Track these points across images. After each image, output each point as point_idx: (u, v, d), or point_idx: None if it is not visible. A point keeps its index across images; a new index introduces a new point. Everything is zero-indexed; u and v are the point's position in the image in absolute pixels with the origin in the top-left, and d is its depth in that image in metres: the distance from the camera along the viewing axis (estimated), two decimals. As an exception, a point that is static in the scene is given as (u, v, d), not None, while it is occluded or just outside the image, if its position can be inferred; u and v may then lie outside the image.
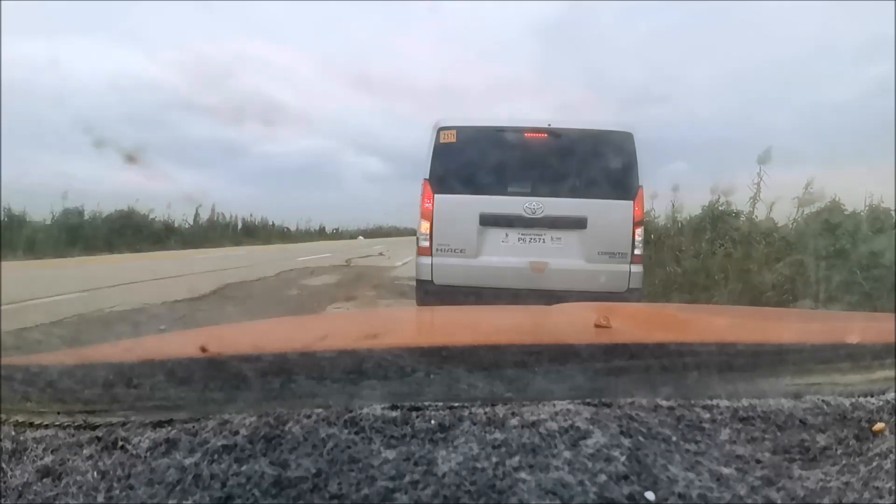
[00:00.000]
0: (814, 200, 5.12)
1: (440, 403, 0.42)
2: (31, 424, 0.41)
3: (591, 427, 0.39)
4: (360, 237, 33.64)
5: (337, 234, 33.19)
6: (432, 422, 0.40)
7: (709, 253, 5.57)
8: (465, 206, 3.61)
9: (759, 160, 5.41)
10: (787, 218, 5.40)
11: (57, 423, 0.41)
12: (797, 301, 4.29)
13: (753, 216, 5.61)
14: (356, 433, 0.38)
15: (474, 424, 0.39)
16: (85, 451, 0.38)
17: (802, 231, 5.03)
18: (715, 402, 0.44)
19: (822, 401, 0.44)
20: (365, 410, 0.40)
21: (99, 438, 0.38)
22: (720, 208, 6.03)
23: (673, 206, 6.79)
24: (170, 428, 0.39)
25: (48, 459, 0.37)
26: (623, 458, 0.36)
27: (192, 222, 17.47)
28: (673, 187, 6.80)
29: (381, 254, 13.91)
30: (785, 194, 5.35)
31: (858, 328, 0.69)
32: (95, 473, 0.35)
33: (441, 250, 3.62)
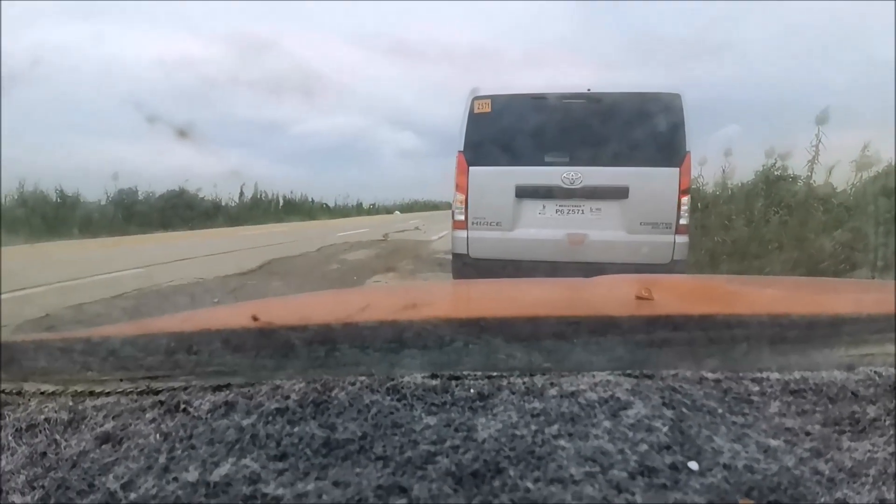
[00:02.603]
0: (871, 164, 4.76)
1: (479, 373, 0.43)
2: (91, 393, 0.42)
3: (631, 398, 0.39)
4: (397, 212, 33.94)
5: (374, 210, 33.63)
6: (471, 391, 0.40)
7: (762, 220, 5.29)
8: (501, 178, 3.55)
9: (817, 120, 5.05)
10: (846, 183, 5.06)
11: (119, 391, 0.42)
12: (855, 270, 4.05)
13: (811, 181, 5.27)
14: (398, 400, 0.39)
15: (513, 394, 0.40)
16: (148, 415, 0.39)
17: (861, 196, 4.70)
18: (765, 374, 0.42)
19: (875, 372, 0.42)
20: (406, 379, 0.41)
21: (162, 403, 0.41)
22: (776, 173, 5.69)
23: (724, 171, 6.45)
24: (228, 392, 0.41)
25: (108, 426, 0.38)
26: (665, 429, 0.36)
27: (237, 200, 18.14)
28: (725, 152, 6.44)
29: (417, 228, 14.00)
30: (845, 157, 5.00)
31: None
32: (158, 436, 0.37)
33: (477, 223, 3.59)
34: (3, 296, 4.07)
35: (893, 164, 4.46)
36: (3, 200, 11.40)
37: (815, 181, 5.24)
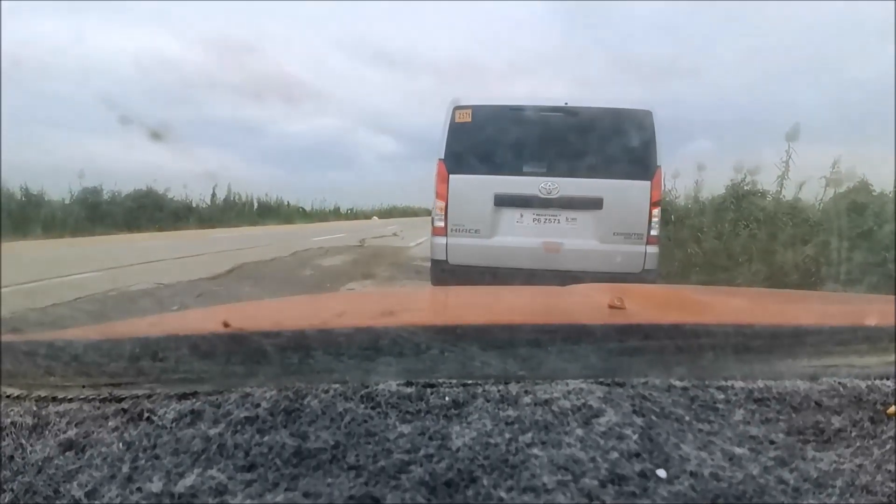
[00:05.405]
0: (842, 180, 4.98)
1: (454, 381, 0.43)
2: (55, 399, 0.41)
3: (603, 406, 0.40)
4: (375, 217, 33.67)
5: (352, 214, 33.32)
6: (446, 398, 0.40)
7: (731, 233, 5.46)
8: (480, 187, 3.59)
9: (787, 137, 5.26)
10: (815, 198, 5.27)
11: (81, 397, 0.41)
12: (822, 283, 4.20)
13: (780, 196, 5.47)
14: (372, 408, 0.39)
15: (488, 401, 0.40)
16: (110, 423, 0.38)
17: (830, 212, 4.90)
18: (730, 383, 0.43)
19: (839, 383, 0.43)
20: (381, 386, 0.41)
21: (125, 410, 0.39)
22: (745, 188, 5.89)
23: (696, 184, 6.65)
24: (194, 400, 0.40)
25: (71, 433, 0.38)
26: (635, 437, 0.36)
27: (209, 202, 17.68)
28: (697, 166, 6.65)
29: (395, 234, 13.91)
30: (814, 174, 5.21)
31: (878, 310, 0.67)
32: (121, 444, 0.36)
33: (456, 230, 3.63)
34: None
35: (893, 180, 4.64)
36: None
37: (784, 196, 5.45)
